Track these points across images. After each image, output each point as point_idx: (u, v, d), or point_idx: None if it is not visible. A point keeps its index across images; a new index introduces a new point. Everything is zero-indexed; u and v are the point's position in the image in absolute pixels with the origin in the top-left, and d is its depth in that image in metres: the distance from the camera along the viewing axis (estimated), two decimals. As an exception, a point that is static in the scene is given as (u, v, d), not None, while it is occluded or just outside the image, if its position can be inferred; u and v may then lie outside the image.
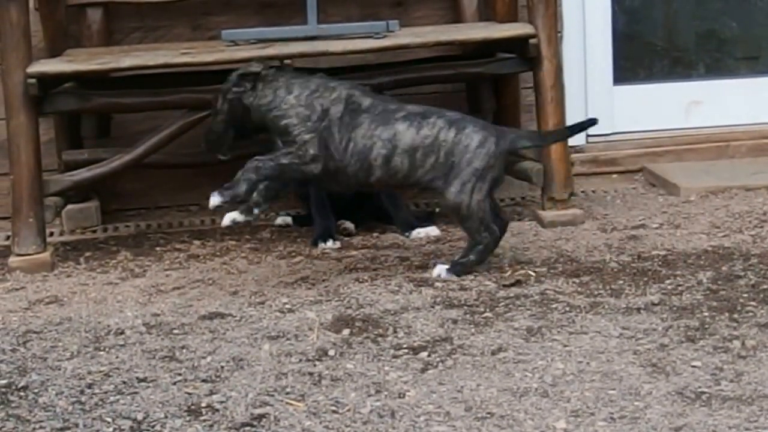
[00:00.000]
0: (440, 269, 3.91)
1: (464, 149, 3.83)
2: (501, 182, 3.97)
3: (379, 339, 3.41)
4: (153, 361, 3.32)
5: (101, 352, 3.40)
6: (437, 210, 4.72)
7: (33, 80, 4.20)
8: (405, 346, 3.34)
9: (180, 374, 3.21)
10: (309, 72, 4.07)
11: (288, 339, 3.44)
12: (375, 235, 4.51)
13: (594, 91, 5.26)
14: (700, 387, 2.98)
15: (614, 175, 5.18)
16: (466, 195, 3.82)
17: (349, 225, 4.55)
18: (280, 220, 4.75)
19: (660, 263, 3.96)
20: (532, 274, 3.92)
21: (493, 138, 3.86)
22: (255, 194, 3.83)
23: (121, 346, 3.44)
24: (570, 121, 4.63)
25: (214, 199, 3.82)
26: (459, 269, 3.90)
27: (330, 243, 4.38)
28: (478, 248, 3.89)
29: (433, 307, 3.65)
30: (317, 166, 3.84)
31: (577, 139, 5.08)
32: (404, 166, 3.86)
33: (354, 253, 4.27)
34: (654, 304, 3.58)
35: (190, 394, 3.08)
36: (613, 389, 2.99)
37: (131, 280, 4.11)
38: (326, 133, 3.86)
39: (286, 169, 3.85)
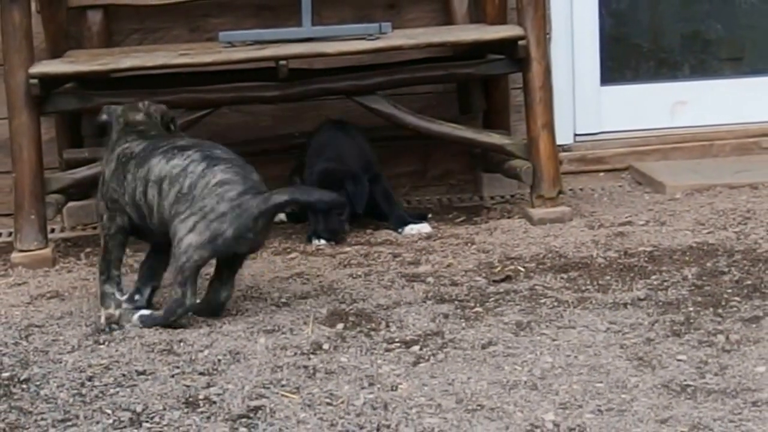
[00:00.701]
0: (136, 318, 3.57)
1: (204, 184, 3.43)
2: (243, 248, 3.48)
3: (372, 333, 3.43)
4: (152, 354, 3.34)
5: (101, 346, 3.42)
6: (430, 216, 4.73)
7: (35, 80, 4.24)
8: (397, 340, 3.37)
9: (178, 367, 3.23)
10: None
11: (283, 333, 3.45)
12: (368, 231, 4.53)
13: (582, 92, 5.27)
14: (685, 380, 3.00)
15: (601, 174, 5.18)
16: (190, 233, 3.43)
17: (343, 222, 4.59)
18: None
19: (646, 259, 3.98)
20: (522, 269, 3.94)
21: (239, 187, 3.42)
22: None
23: (121, 339, 3.46)
24: (558, 120, 4.68)
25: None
26: (148, 320, 3.56)
27: (324, 240, 4.42)
28: (172, 300, 3.50)
29: (424, 302, 3.67)
30: (118, 230, 3.60)
31: (565, 138, 5.12)
32: (154, 197, 3.51)
33: (348, 249, 4.29)
34: (640, 299, 3.60)
35: (187, 386, 3.10)
36: (601, 382, 3.00)
37: (130, 275, 4.07)
38: (111, 195, 3.60)
39: (109, 248, 3.61)
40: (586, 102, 5.28)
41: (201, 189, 3.44)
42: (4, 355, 3.40)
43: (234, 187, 3.44)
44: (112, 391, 3.11)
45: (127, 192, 3.57)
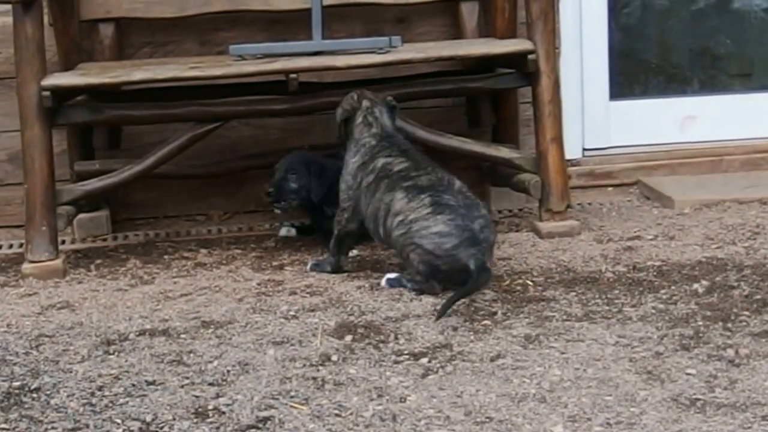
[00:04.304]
0: None
1: (426, 228, 3.87)
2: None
3: (381, 345, 3.43)
4: (161, 364, 3.35)
5: (111, 356, 3.43)
6: None
7: (47, 93, 4.23)
8: (406, 352, 3.37)
9: (187, 378, 3.24)
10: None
11: (292, 344, 3.46)
12: (374, 244, 4.47)
13: (591, 106, 5.28)
14: (694, 394, 3.00)
15: (610, 188, 5.19)
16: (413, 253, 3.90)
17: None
18: (284, 231, 4.77)
19: (655, 274, 3.99)
20: (530, 283, 3.94)
21: (455, 240, 3.85)
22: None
23: (131, 350, 3.47)
24: (567, 135, 4.68)
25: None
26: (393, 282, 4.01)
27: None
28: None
29: (433, 314, 3.67)
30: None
31: (574, 153, 5.12)
32: (391, 226, 3.98)
33: (357, 262, 4.31)
34: (649, 313, 3.60)
35: (197, 397, 3.11)
36: (610, 395, 3.01)
37: (140, 286, 4.14)
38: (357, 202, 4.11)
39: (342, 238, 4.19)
40: (595, 117, 5.29)
41: (419, 229, 3.85)
42: (14, 364, 3.41)
43: (450, 240, 3.80)
44: (122, 401, 3.12)
45: (372, 205, 4.01)
